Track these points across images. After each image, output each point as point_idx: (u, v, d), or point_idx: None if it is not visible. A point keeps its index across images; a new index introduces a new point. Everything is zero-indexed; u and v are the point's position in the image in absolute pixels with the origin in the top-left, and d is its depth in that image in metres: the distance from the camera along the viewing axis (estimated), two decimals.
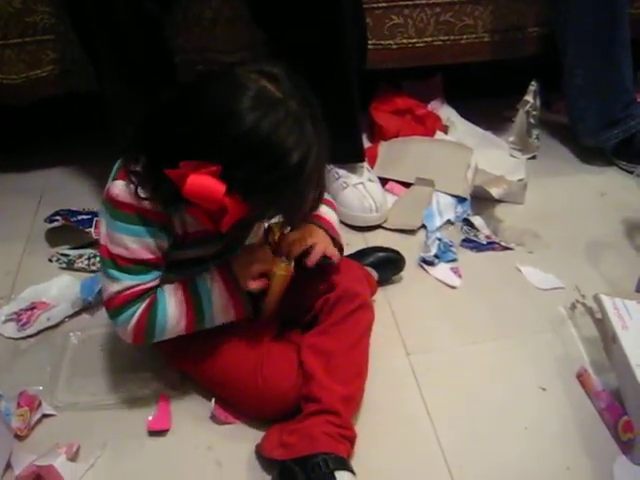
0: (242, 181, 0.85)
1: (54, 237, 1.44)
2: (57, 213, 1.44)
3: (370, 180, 1.50)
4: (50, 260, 1.37)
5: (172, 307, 0.98)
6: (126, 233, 0.94)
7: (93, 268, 1.33)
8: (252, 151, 0.85)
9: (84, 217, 1.42)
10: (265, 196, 0.88)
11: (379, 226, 1.47)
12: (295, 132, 0.86)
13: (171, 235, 0.97)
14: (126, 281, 0.95)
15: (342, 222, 1.41)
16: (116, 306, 0.96)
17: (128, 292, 0.96)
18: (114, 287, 0.96)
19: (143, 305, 0.97)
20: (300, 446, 0.94)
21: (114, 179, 0.95)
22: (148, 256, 0.95)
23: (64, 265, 1.36)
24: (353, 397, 1.02)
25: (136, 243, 0.94)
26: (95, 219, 1.39)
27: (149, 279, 0.97)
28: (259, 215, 0.96)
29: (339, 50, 1.36)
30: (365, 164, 1.52)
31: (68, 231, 1.42)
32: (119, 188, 0.93)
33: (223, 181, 0.84)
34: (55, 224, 1.43)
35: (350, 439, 0.97)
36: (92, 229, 1.37)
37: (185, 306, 0.99)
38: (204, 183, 0.84)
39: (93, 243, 1.37)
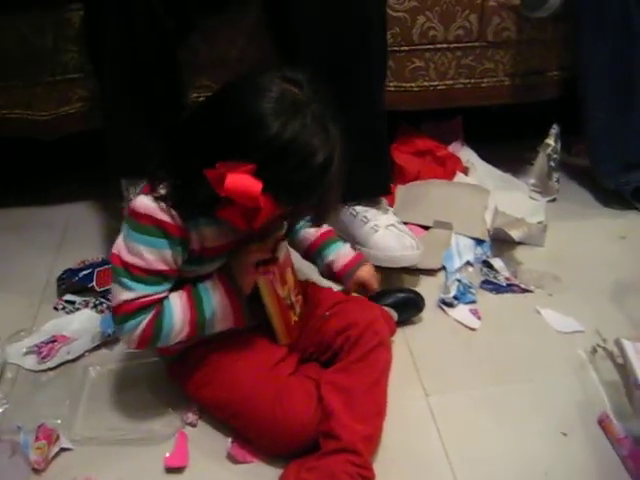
0: (272, 182, 0.87)
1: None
2: (62, 274, 1.42)
3: (399, 222, 1.45)
4: (55, 308, 1.36)
5: (177, 316, 0.99)
6: (143, 244, 0.95)
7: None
8: (279, 154, 0.87)
9: (85, 272, 1.40)
10: (293, 196, 0.91)
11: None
12: (319, 133, 0.89)
13: (187, 250, 0.99)
14: (138, 291, 0.97)
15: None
16: (124, 313, 0.98)
17: (138, 302, 0.97)
18: (125, 295, 0.97)
19: (150, 315, 0.98)
20: None
21: (138, 194, 0.98)
22: (163, 267, 0.97)
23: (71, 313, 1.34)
24: (373, 436, 1.01)
25: (152, 254, 0.96)
26: (96, 270, 1.40)
27: (161, 290, 0.98)
28: (288, 213, 0.98)
29: (366, 83, 1.36)
30: (388, 207, 1.50)
31: None
32: (140, 201, 0.96)
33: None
34: (63, 287, 1.41)
35: (369, 479, 0.96)
36: (94, 282, 1.37)
37: (189, 313, 1.00)
38: (242, 181, 0.87)
39: (94, 290, 1.37)
